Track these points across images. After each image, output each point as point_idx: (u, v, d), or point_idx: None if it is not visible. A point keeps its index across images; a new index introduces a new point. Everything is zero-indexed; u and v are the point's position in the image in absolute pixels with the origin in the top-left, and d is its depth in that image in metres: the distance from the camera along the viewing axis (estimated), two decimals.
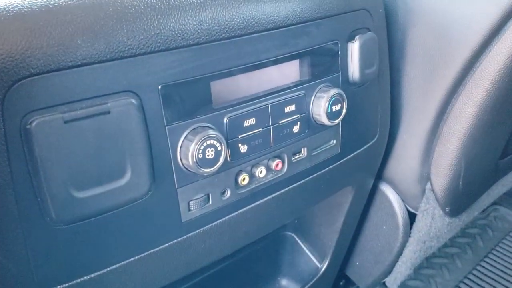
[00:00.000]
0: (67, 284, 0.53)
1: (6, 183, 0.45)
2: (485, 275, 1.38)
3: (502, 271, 1.39)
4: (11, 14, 0.44)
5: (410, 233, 1.04)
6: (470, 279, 1.37)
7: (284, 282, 1.08)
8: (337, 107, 0.69)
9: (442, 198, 0.97)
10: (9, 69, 0.43)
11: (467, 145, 0.87)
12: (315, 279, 1.03)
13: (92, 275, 0.55)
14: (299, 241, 1.07)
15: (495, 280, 1.36)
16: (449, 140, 0.87)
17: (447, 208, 1.02)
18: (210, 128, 0.58)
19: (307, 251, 1.07)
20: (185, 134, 0.56)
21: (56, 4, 0.47)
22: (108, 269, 0.56)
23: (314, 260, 1.06)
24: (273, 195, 0.71)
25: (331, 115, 0.69)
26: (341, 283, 1.26)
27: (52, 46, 0.45)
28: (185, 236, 0.62)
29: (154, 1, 0.52)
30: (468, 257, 1.45)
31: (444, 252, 1.47)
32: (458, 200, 1.03)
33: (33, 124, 0.45)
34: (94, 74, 0.48)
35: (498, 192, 1.32)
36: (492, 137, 0.93)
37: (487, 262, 1.43)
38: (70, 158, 0.47)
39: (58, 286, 0.53)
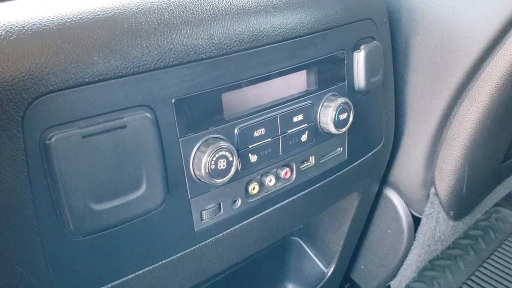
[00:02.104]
0: None
1: (26, 196, 0.47)
2: (488, 276, 1.39)
3: (504, 272, 1.40)
4: (29, 32, 0.45)
5: (414, 237, 1.05)
6: (473, 281, 1.38)
7: (290, 286, 1.09)
8: (344, 116, 0.71)
9: (446, 202, 0.98)
10: (29, 86, 0.44)
11: (471, 150, 0.88)
12: (321, 284, 1.04)
13: (109, 285, 0.56)
14: (305, 246, 1.08)
15: (497, 281, 1.37)
16: (453, 145, 0.88)
17: (451, 212, 1.03)
18: (222, 139, 0.59)
19: (313, 256, 1.07)
20: (197, 145, 0.57)
21: (72, 22, 0.48)
22: (124, 279, 0.57)
23: (320, 264, 1.07)
24: (282, 203, 0.72)
25: (338, 123, 0.70)
26: (346, 287, 1.26)
27: (70, 63, 0.46)
28: (197, 245, 0.63)
29: (167, 17, 0.53)
30: (470, 258, 1.46)
31: (447, 254, 1.48)
32: (461, 204, 1.04)
33: (53, 139, 0.46)
34: (110, 90, 0.49)
35: (500, 194, 1.33)
36: (495, 141, 0.94)
37: (489, 264, 1.44)
38: (88, 172, 0.49)
39: None
